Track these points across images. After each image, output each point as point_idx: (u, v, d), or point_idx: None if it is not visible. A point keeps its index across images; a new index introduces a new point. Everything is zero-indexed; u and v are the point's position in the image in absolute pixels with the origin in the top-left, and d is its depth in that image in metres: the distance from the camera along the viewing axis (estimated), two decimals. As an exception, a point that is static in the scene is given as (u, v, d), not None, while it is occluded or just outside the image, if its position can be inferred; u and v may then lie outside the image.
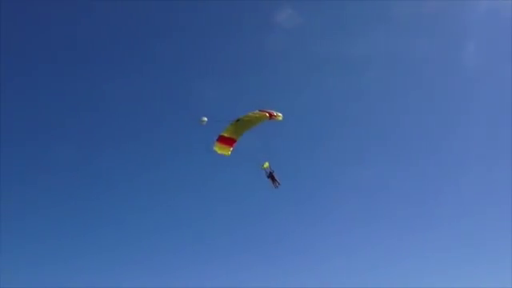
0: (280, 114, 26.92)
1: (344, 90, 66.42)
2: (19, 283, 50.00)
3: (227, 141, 26.84)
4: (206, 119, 25.33)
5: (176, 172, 66.11)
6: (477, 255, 55.41)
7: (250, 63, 67.49)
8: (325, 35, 65.43)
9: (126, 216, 61.47)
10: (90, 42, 64.52)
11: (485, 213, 59.72)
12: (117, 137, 67.57)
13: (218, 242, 60.00)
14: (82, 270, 54.69)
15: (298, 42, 65.00)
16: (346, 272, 55.74)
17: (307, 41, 65.46)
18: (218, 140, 26.83)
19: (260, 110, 26.61)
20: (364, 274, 55.04)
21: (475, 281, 50.91)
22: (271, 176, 27.24)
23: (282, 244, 59.86)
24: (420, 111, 67.53)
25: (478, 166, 63.40)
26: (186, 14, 65.22)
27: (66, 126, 66.19)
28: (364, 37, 64.07)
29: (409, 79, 67.12)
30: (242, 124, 26.55)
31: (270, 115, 26.63)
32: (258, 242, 61.38)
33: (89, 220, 60.54)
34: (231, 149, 26.87)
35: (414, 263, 55.77)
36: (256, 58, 67.30)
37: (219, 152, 26.94)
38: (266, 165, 27.18)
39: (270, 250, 59.76)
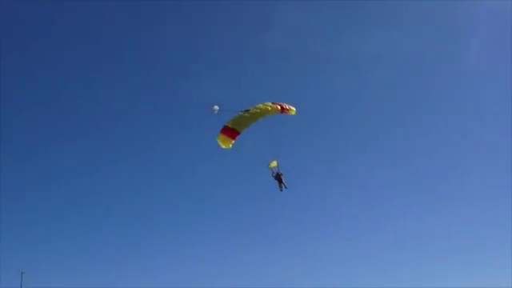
0: (293, 108, 24.42)
1: (345, 89, 65.86)
2: (18, 283, 48.84)
3: (230, 132, 24.22)
4: (217, 107, 23.28)
5: (173, 172, 67.69)
6: (476, 255, 55.61)
7: (250, 62, 66.24)
8: (326, 34, 64.02)
9: (123, 216, 63.42)
10: (88, 41, 66.89)
11: (485, 212, 60.29)
12: (116, 137, 69.24)
13: (215, 241, 60.97)
14: (81, 270, 56.14)
15: (299, 40, 63.44)
16: (347, 271, 57.10)
17: (308, 40, 63.93)
18: (221, 131, 24.20)
19: (272, 103, 24.16)
20: (362, 272, 55.93)
21: (475, 280, 51.35)
22: (278, 178, 24.46)
23: (280, 242, 60.66)
24: (421, 110, 67.01)
25: (482, 166, 64.21)
26: (185, 12, 63.85)
27: (66, 126, 67.38)
28: (365, 36, 62.94)
29: (411, 78, 66.43)
30: (249, 115, 24.04)
31: (282, 108, 24.11)
32: (256, 241, 62.14)
33: (87, 220, 62.51)
34: (233, 142, 24.28)
35: (414, 262, 56.74)
36: (256, 57, 65.91)
37: (221, 145, 24.28)
38: (274, 164, 24.32)
39: (269, 248, 60.75)
